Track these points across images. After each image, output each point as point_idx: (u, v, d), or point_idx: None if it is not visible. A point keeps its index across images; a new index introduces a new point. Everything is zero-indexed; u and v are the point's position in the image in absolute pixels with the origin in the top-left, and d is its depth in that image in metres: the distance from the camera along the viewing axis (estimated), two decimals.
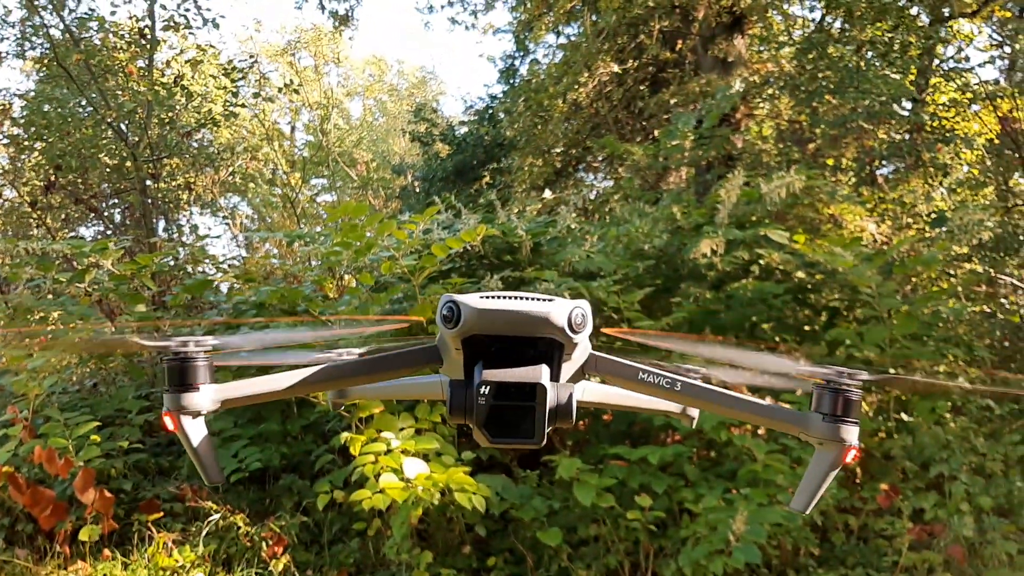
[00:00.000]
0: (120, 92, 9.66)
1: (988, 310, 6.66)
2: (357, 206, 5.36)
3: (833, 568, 4.05)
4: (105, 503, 4.34)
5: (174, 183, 11.19)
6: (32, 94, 10.64)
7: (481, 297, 0.80)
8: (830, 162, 8.32)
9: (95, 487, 4.33)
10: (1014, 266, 6.84)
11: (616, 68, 9.73)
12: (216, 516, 4.35)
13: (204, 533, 4.28)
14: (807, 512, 0.83)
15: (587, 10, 10.06)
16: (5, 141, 10.68)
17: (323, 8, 12.62)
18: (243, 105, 11.08)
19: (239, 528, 4.31)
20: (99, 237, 11.31)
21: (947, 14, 8.30)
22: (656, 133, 8.21)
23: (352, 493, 4.02)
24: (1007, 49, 8.80)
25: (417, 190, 13.44)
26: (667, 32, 9.47)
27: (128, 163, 9.74)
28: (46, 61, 9.89)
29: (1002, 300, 6.98)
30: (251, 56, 11.10)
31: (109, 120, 9.27)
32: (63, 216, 11.74)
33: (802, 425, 0.80)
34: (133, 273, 5.30)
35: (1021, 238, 6.54)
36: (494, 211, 5.97)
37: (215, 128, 11.09)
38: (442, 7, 12.83)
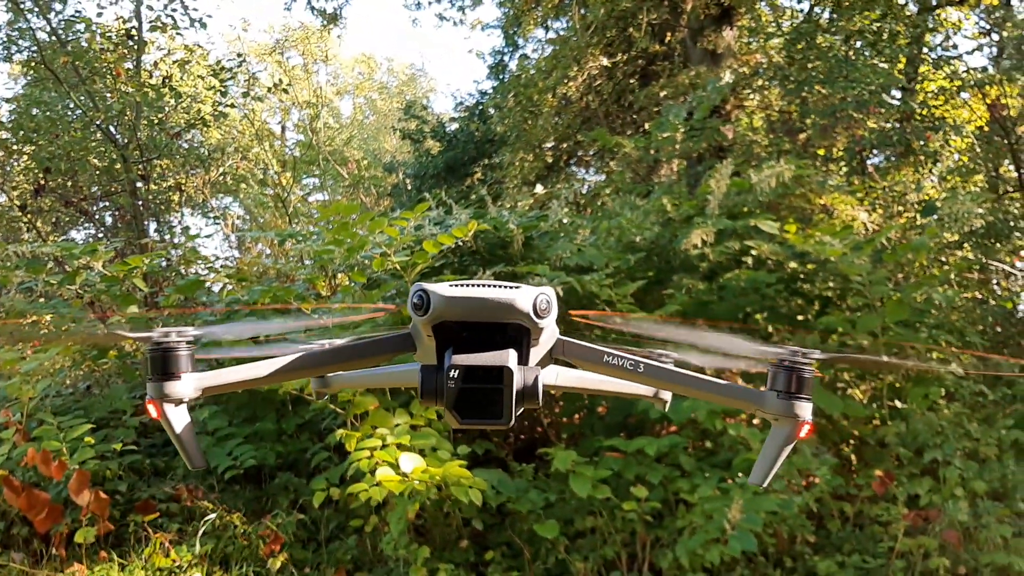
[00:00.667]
0: (108, 94, 9.62)
1: (980, 296, 6.68)
2: (348, 205, 5.36)
3: (829, 555, 4.06)
4: (100, 505, 4.33)
5: (165, 184, 11.15)
6: (20, 97, 10.59)
7: (451, 286, 0.83)
8: (821, 152, 8.34)
9: (90, 489, 4.33)
10: (1005, 252, 6.86)
11: (605, 62, 9.73)
12: (212, 515, 4.34)
13: (201, 533, 4.27)
14: (764, 485, 0.88)
15: (575, 4, 10.05)
16: None
17: (312, 8, 12.62)
18: (232, 105, 11.04)
19: (236, 527, 4.31)
20: (90, 240, 11.29)
21: (935, 2, 8.33)
22: (647, 126, 8.22)
23: (349, 487, 4.02)
24: (995, 36, 8.83)
25: (409, 187, 13.43)
26: (656, 25, 9.47)
27: (118, 165, 9.70)
28: (33, 64, 9.84)
29: (994, 287, 7.01)
30: (239, 56, 11.04)
31: (97, 122, 9.23)
32: (54, 219, 11.69)
33: (759, 402, 0.85)
34: (124, 275, 5.29)
35: (1012, 224, 6.57)
36: (485, 207, 5.96)
37: (205, 129, 11.05)
38: (429, 3, 12.82)
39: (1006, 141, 6.63)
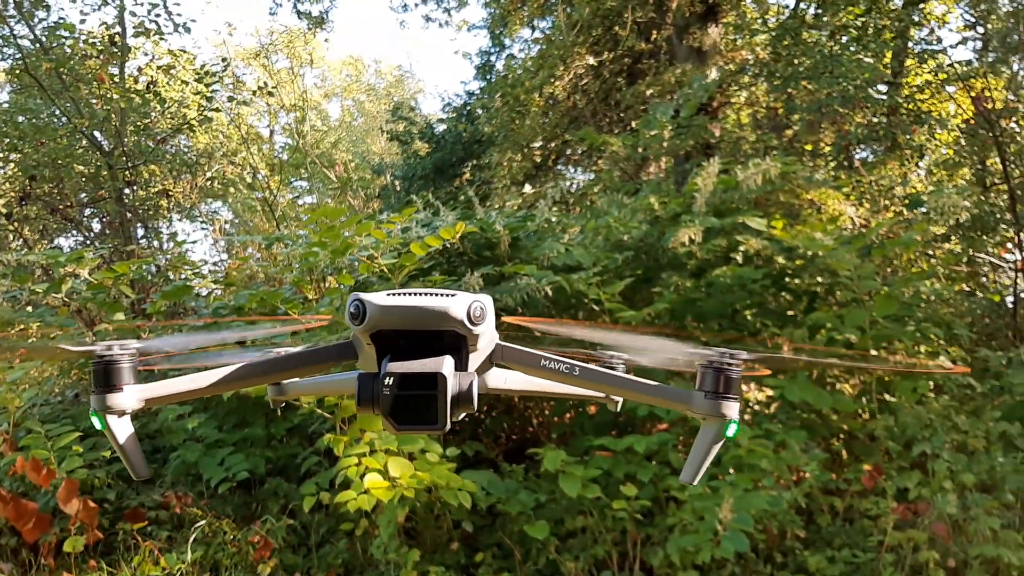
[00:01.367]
0: (93, 100, 9.57)
1: (968, 289, 6.71)
2: (334, 209, 5.35)
3: (820, 550, 4.06)
4: (89, 513, 4.31)
5: (152, 190, 11.11)
6: (5, 105, 10.53)
7: (388, 295, 0.85)
8: (808, 147, 8.35)
9: (79, 498, 4.30)
10: (992, 245, 6.89)
11: (592, 60, 9.74)
12: (202, 522, 4.32)
13: (191, 540, 4.25)
14: (695, 483, 0.89)
15: (561, 2, 10.05)
16: None
17: (298, 12, 12.59)
18: (218, 109, 11.01)
19: (225, 533, 4.29)
20: (79, 247, 11.22)
21: None
22: (634, 124, 8.23)
23: (338, 495, 4.00)
24: (980, 29, 8.86)
25: (398, 189, 13.41)
26: (642, 23, 9.49)
27: (104, 172, 9.66)
28: (17, 72, 9.79)
29: (982, 279, 7.04)
30: (223, 60, 11.00)
31: (82, 129, 9.19)
32: (40, 227, 11.63)
33: (687, 403, 0.87)
34: (111, 282, 5.26)
35: (998, 217, 6.59)
36: (473, 208, 5.96)
37: (191, 133, 11.02)
38: (416, 5, 12.81)
39: (991, 134, 6.65)
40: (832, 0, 8.46)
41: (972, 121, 7.76)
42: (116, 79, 9.60)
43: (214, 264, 11.23)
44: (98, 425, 0.90)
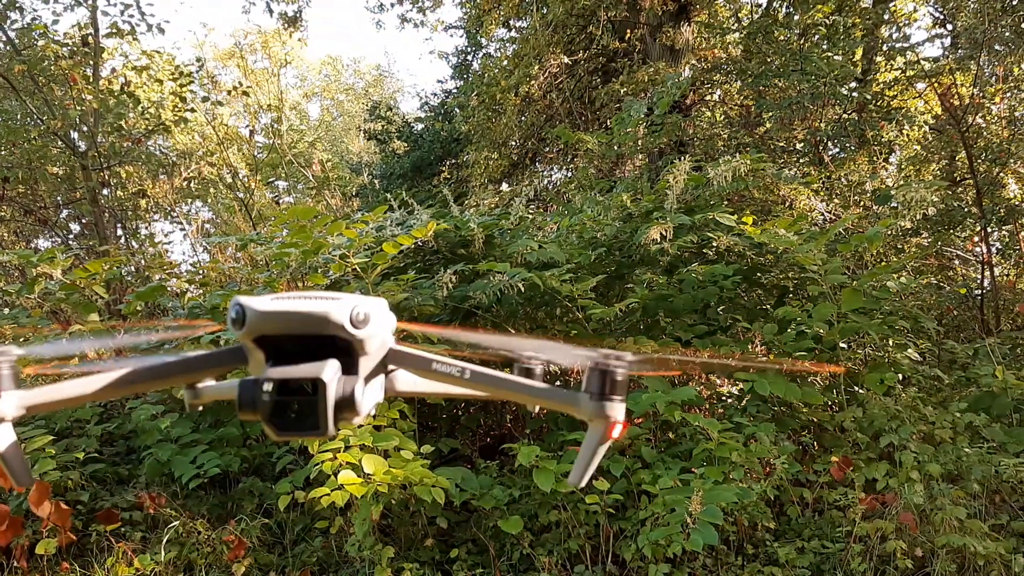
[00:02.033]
0: (67, 101, 9.50)
1: (936, 282, 6.81)
2: (305, 209, 5.36)
3: (789, 541, 4.13)
4: (62, 515, 4.29)
5: (129, 191, 11.04)
6: None
7: (272, 299, 0.83)
8: (780, 144, 8.43)
9: (51, 500, 4.29)
10: (960, 239, 7.00)
11: (566, 59, 9.78)
12: (176, 523, 4.32)
13: (164, 540, 4.25)
14: (581, 485, 0.88)
15: (536, 2, 10.09)
16: None
17: (271, 11, 12.56)
18: (193, 110, 10.95)
19: (200, 533, 4.29)
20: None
21: None
22: (609, 122, 8.27)
23: (311, 491, 4.02)
24: (949, 27, 8.98)
25: (376, 188, 13.40)
26: (616, 22, 9.54)
27: (78, 173, 9.60)
28: None
29: (950, 273, 7.14)
30: (198, 60, 10.95)
31: (55, 130, 9.13)
32: (15, 229, 11.54)
33: (574, 404, 0.86)
34: (84, 282, 5.24)
35: (965, 211, 6.69)
36: (447, 206, 5.98)
37: (168, 134, 10.96)
38: (392, 5, 12.79)
39: (958, 130, 6.75)
40: None
41: (940, 117, 7.87)
42: (90, 80, 9.54)
43: (191, 264, 11.18)
44: None
